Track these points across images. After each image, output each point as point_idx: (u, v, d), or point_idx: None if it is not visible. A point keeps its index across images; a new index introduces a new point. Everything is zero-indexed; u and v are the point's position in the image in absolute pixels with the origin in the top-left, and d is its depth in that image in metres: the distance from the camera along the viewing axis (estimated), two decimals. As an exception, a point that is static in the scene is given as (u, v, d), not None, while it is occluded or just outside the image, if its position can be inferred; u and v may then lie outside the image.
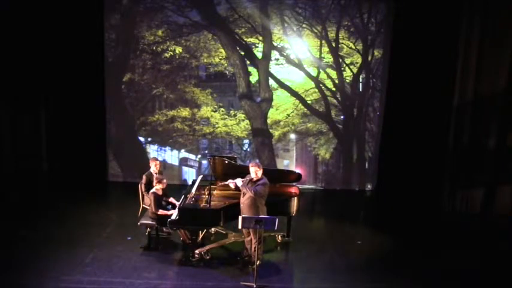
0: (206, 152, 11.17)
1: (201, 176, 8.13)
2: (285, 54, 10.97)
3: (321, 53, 10.92)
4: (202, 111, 11.19)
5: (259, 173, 6.68)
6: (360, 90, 11.03)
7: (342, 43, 10.89)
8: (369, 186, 11.35)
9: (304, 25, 10.84)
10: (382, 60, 10.82)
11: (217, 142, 11.38)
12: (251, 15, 10.76)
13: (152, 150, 11.29)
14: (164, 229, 7.67)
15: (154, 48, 10.89)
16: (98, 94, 10.79)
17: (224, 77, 11.13)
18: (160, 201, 7.38)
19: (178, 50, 10.89)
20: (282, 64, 11.02)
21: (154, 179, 7.49)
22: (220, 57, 10.98)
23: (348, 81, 11.02)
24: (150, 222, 7.35)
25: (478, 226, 9.25)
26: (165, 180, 7.44)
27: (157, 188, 7.36)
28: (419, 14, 9.97)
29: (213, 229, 7.95)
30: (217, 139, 11.34)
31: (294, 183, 8.10)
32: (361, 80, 11.04)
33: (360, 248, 7.91)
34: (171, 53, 10.90)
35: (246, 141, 11.38)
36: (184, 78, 11.08)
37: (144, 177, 7.97)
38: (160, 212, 7.26)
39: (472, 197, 9.49)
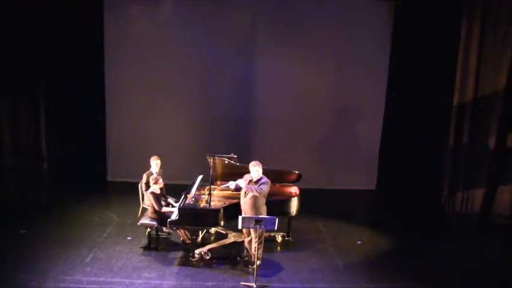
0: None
1: (201, 176, 8.13)
2: (285, 53, 10.98)
3: (321, 52, 10.93)
4: (202, 111, 11.19)
5: (260, 172, 6.71)
6: (361, 90, 10.99)
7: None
8: (369, 186, 11.33)
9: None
10: (382, 60, 10.79)
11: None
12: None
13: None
14: (164, 229, 7.68)
15: (154, 47, 10.88)
16: (98, 93, 10.78)
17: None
18: (160, 199, 7.39)
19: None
20: (282, 62, 11.02)
21: (150, 179, 7.49)
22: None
23: (348, 80, 10.99)
24: (150, 222, 7.36)
25: (478, 226, 9.26)
26: (161, 181, 7.45)
27: (155, 187, 7.37)
28: (419, 14, 9.97)
29: (213, 229, 7.96)
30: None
31: (294, 183, 8.11)
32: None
33: (360, 248, 7.92)
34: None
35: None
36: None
37: (144, 176, 7.97)
38: (164, 209, 7.27)
39: (472, 197, 9.49)
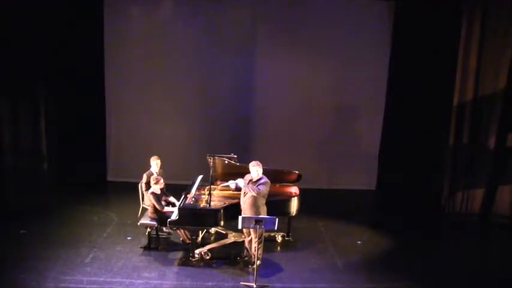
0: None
1: (201, 176, 8.13)
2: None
3: (321, 52, 10.93)
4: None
5: (260, 172, 6.70)
6: (361, 90, 11.00)
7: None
8: (369, 186, 11.34)
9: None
10: (382, 60, 10.80)
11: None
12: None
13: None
14: (164, 229, 7.68)
15: (154, 47, 10.89)
16: (98, 93, 10.79)
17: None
18: (160, 199, 7.38)
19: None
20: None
21: (151, 179, 7.48)
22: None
23: (348, 80, 11.00)
24: (150, 222, 7.36)
25: (478, 226, 9.26)
26: (162, 181, 7.44)
27: (155, 187, 7.36)
28: (419, 14, 9.98)
29: (213, 229, 7.96)
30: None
31: (294, 183, 8.11)
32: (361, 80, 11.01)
33: (360, 248, 7.92)
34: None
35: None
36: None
37: (144, 176, 7.96)
38: (166, 209, 7.26)
39: (472, 197, 9.50)
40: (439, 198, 9.77)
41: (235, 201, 7.11)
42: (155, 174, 7.90)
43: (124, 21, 10.76)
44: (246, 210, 6.70)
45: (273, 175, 7.24)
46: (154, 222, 7.33)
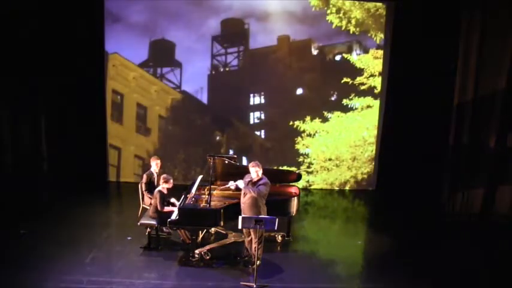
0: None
1: (201, 176, 8.13)
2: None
3: (321, 53, 10.95)
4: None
5: (260, 172, 6.70)
6: (360, 89, 11.01)
7: (342, 43, 10.90)
8: (369, 186, 11.34)
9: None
10: (382, 60, 10.80)
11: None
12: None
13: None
14: (164, 229, 7.68)
15: (154, 48, 10.91)
16: (99, 93, 10.79)
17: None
18: (165, 199, 7.37)
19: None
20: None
21: (161, 178, 7.46)
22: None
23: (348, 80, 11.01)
24: (150, 222, 7.36)
25: (478, 226, 9.26)
26: (171, 181, 7.43)
27: (164, 186, 7.35)
28: (419, 13, 9.97)
29: (213, 229, 7.96)
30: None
31: (294, 183, 8.12)
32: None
33: (360, 248, 7.91)
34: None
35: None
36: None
37: (144, 176, 7.97)
38: (166, 209, 7.26)
39: (472, 197, 9.49)
40: (439, 198, 9.76)
41: (235, 201, 7.11)
42: (155, 174, 7.90)
43: (125, 20, 10.75)
44: (246, 211, 6.70)
45: (273, 175, 7.24)
46: (154, 222, 7.33)
